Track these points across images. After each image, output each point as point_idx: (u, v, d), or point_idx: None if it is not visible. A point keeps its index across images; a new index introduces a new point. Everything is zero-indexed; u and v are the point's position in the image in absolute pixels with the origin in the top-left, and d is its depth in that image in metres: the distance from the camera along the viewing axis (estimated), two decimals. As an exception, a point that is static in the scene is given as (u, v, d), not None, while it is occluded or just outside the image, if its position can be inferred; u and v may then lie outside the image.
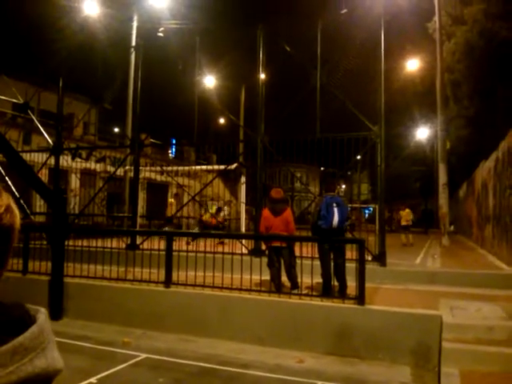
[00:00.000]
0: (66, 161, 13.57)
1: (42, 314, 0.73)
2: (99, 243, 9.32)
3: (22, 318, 0.71)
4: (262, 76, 11.16)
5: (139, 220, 12.56)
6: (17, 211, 0.76)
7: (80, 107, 19.13)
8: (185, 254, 7.94)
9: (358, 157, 11.67)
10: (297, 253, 7.47)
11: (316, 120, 10.34)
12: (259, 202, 10.50)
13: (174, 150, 26.62)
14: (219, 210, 15.92)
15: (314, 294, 6.86)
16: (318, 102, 10.47)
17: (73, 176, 17.40)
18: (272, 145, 10.85)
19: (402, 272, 9.04)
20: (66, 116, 16.15)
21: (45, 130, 13.32)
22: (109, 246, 9.01)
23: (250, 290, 7.05)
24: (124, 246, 10.42)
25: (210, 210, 15.30)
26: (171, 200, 15.72)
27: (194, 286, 7.32)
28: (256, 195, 10.89)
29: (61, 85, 13.05)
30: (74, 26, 15.25)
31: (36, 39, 16.82)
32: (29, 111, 14.03)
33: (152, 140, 17.71)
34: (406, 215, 16.26)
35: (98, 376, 5.24)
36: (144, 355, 6.00)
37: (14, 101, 15.95)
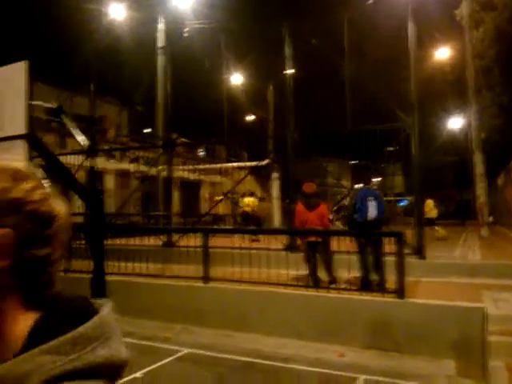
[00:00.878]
0: (101, 162, 13.89)
1: (107, 307, 0.75)
2: (136, 241, 9.51)
3: (84, 309, 0.72)
4: (290, 71, 11.13)
5: (174, 218, 12.75)
6: (58, 200, 0.77)
7: (111, 110, 19.53)
8: (221, 250, 8.04)
9: (391, 148, 11.50)
10: (333, 247, 7.45)
11: (346, 113, 10.25)
12: (292, 197, 10.50)
13: (204, 148, 26.84)
14: (252, 194, 15.61)
15: (352, 288, 6.83)
16: (347, 95, 10.38)
17: (108, 177, 17.79)
18: (303, 139, 10.82)
19: (441, 265, 8.87)
20: (97, 119, 16.51)
21: (78, 133, 13.63)
22: (146, 243, 9.20)
23: (287, 285, 7.08)
24: (160, 243, 10.60)
25: (241, 204, 14.99)
26: (219, 198, 15.27)
27: (233, 281, 7.39)
28: (288, 191, 10.89)
29: (92, 89, 13.37)
30: (102, 30, 15.57)
31: (65, 45, 17.26)
32: (63, 115, 14.39)
33: (183, 139, 17.93)
34: (424, 207, 14.71)
35: (143, 370, 5.36)
36: (186, 350, 6.10)
37: (48, 106, 16.39)
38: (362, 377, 5.22)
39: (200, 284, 7.58)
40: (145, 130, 22.55)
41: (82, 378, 0.65)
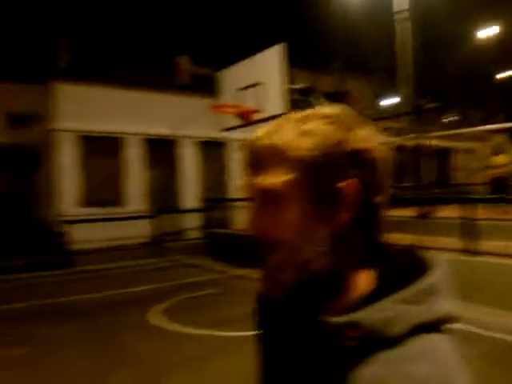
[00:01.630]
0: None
1: (441, 262, 0.72)
2: (390, 212, 9.51)
3: (420, 262, 0.71)
4: None
5: (425, 189, 12.23)
6: (384, 145, 0.75)
7: (354, 84, 19.81)
8: (482, 222, 7.38)
9: None
10: None
11: None
12: None
13: (455, 112, 24.78)
14: (496, 153, 12.35)
15: None
16: None
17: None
18: None
19: None
20: (343, 94, 17.04)
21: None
22: (398, 214, 9.11)
23: None
24: (414, 214, 10.33)
25: (493, 163, 12.19)
26: (474, 166, 12.40)
27: (501, 256, 6.70)
28: None
29: (337, 67, 13.84)
30: (337, 5, 15.83)
31: (309, 26, 18.25)
32: (312, 95, 15.40)
33: (431, 105, 16.93)
34: None
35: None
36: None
37: (300, 86, 17.66)
38: None
39: (462, 257, 7.13)
40: (390, 100, 22.19)
41: (429, 331, 0.65)
